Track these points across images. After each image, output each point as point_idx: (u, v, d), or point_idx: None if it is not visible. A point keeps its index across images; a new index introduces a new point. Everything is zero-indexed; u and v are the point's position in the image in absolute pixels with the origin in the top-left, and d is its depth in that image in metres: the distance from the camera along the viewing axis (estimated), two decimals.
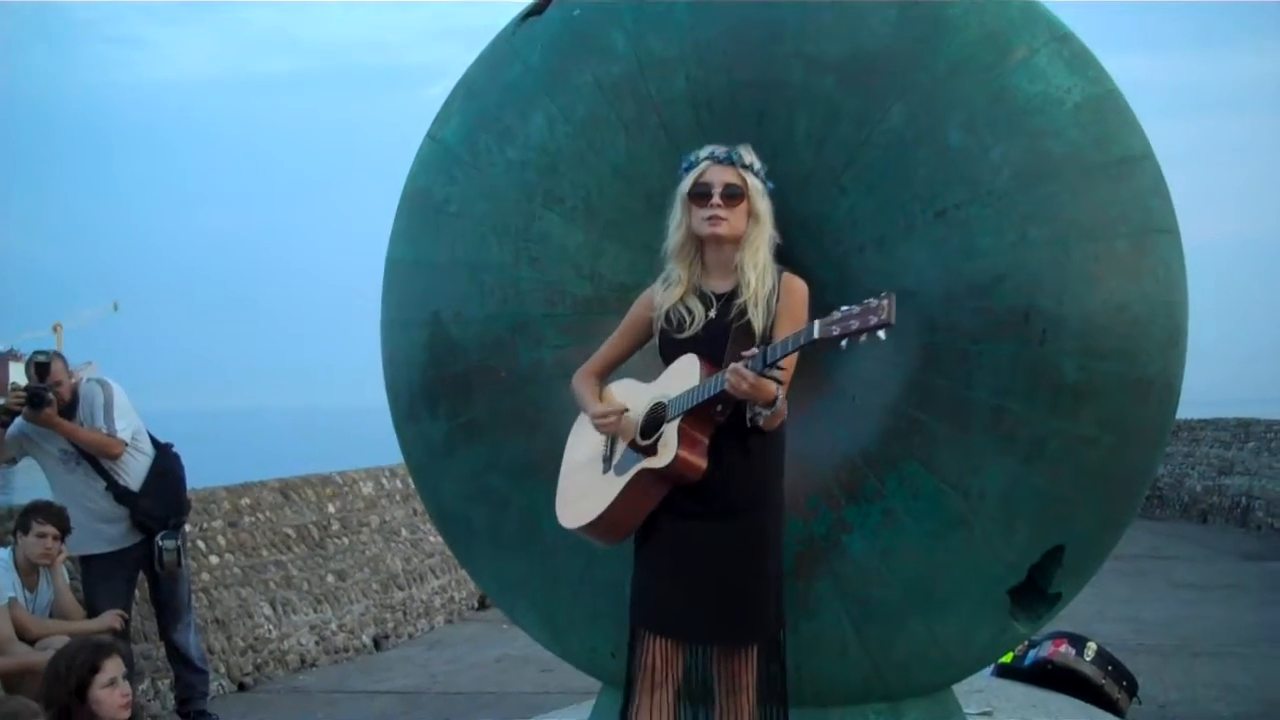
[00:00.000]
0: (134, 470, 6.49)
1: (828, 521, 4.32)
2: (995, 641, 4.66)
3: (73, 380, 6.53)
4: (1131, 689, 6.34)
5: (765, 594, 3.78)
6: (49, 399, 6.27)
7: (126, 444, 6.44)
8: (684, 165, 3.84)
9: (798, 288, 3.80)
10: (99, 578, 6.47)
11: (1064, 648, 6.29)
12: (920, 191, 4.22)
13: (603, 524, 3.79)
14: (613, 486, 3.76)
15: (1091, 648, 6.34)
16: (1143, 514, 12.60)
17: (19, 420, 6.41)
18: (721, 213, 3.73)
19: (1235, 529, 15.56)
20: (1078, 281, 4.20)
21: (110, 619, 6.09)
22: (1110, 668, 6.31)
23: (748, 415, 3.65)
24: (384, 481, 10.48)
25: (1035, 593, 4.48)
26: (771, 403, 3.59)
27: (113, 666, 4.29)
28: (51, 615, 6.09)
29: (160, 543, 6.43)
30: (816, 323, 3.41)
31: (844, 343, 3.41)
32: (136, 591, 6.76)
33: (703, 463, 3.67)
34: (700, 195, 3.76)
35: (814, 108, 4.29)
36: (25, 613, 5.90)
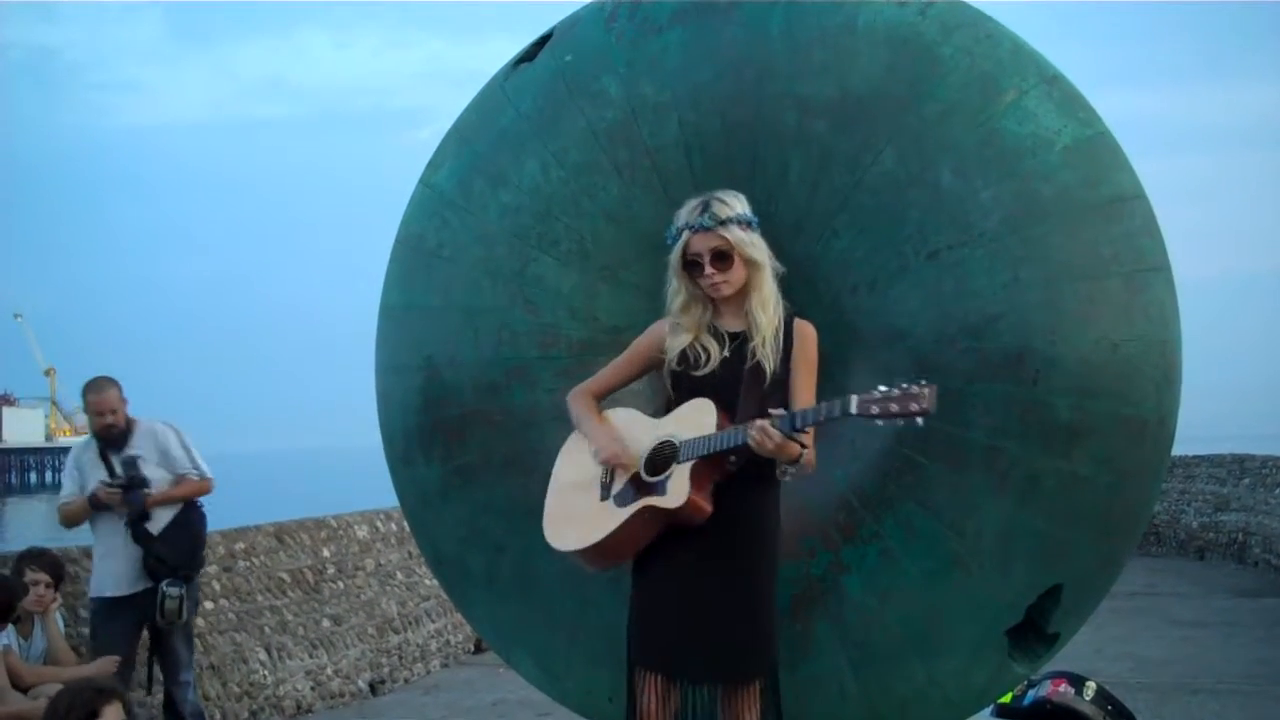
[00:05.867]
0: (159, 514, 6.51)
1: (824, 563, 4.32)
2: (994, 682, 4.64)
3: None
4: None
5: (763, 630, 3.85)
6: (144, 496, 6.42)
7: (213, 480, 6.71)
8: (668, 238, 3.92)
9: (809, 334, 3.91)
10: (105, 620, 6.45)
11: (1063, 687, 6.26)
12: (912, 233, 4.24)
13: (598, 551, 3.84)
14: (613, 517, 3.81)
15: (1091, 687, 6.31)
16: (1139, 550, 12.55)
17: (74, 452, 6.66)
18: (717, 278, 3.84)
19: (1232, 565, 15.49)
20: (1070, 322, 4.21)
21: (105, 664, 6.04)
22: (1110, 707, 6.28)
23: (777, 470, 3.72)
24: (379, 525, 10.43)
25: (1034, 632, 4.47)
26: (795, 460, 3.66)
27: (112, 713, 4.25)
28: (45, 663, 6.05)
29: (164, 589, 6.37)
30: (854, 398, 3.47)
31: (879, 422, 3.50)
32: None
33: (709, 508, 3.74)
34: (693, 265, 3.86)
35: (807, 151, 4.31)
36: (19, 660, 5.87)
